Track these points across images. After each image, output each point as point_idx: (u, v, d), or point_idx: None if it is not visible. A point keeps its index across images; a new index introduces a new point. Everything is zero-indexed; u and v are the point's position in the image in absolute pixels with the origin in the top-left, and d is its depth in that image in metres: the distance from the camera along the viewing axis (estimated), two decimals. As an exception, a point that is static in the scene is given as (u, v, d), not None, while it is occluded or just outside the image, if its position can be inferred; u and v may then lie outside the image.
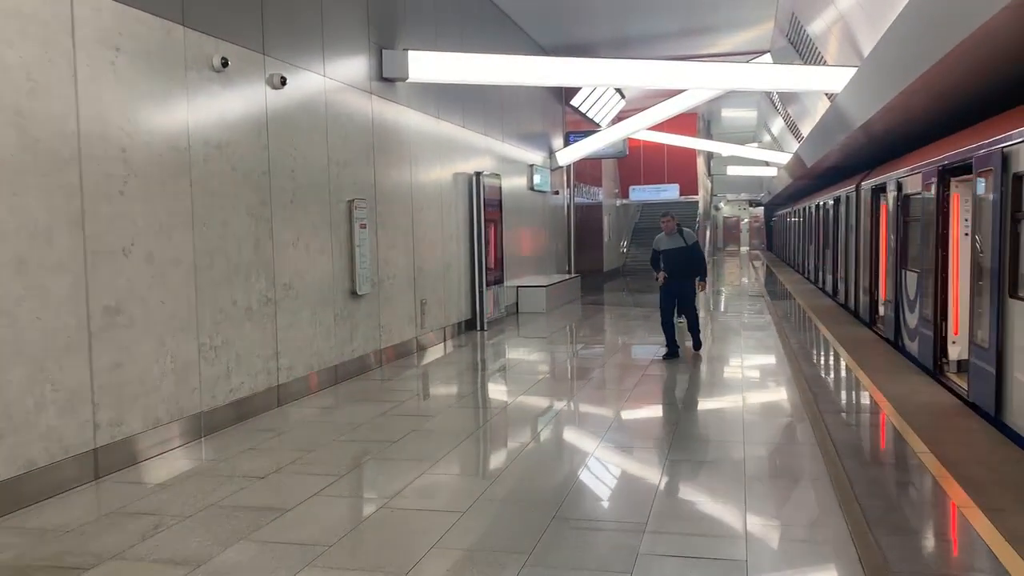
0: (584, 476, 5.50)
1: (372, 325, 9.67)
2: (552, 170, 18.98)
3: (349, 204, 9.07)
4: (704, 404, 7.85)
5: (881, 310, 11.94)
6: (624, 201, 29.99)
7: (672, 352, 10.02)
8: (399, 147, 10.55)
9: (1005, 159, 6.47)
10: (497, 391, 8.76)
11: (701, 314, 15.74)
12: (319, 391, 8.30)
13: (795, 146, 26.25)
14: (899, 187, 10.71)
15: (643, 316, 15.39)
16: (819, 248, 20.64)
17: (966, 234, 8.13)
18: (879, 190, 12.20)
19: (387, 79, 10.18)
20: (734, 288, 23.36)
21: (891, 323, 10.97)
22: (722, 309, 17.23)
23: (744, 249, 54.44)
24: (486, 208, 13.28)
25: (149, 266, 6.11)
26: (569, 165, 20.15)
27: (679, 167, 29.61)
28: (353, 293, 9.12)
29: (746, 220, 56.23)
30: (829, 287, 18.17)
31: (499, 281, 13.95)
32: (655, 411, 7.63)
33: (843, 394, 8.20)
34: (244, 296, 7.23)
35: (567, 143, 19.24)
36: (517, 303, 15.93)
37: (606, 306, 17.84)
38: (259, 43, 7.56)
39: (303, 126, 8.27)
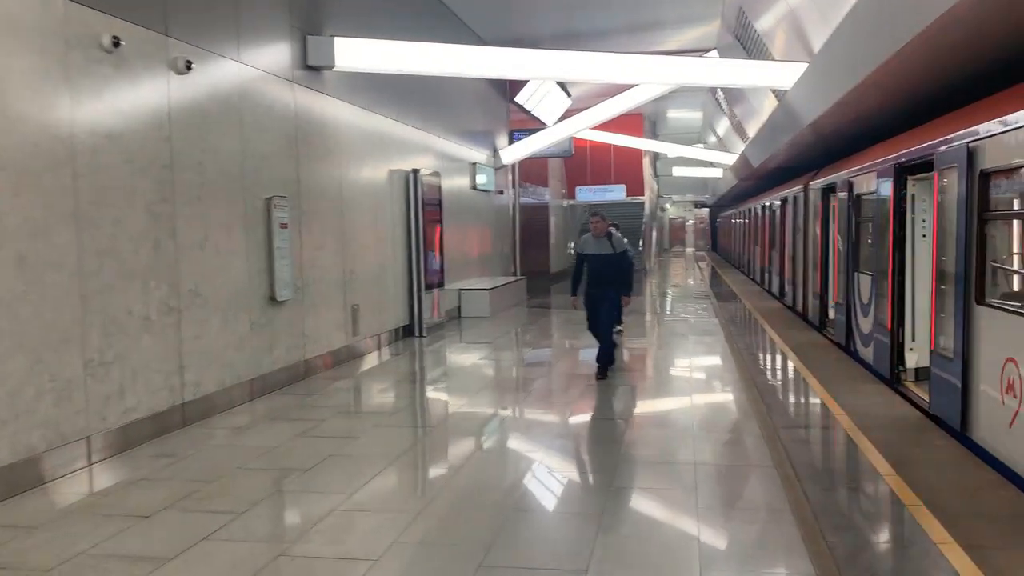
0: (520, 510, 4.87)
1: (295, 333, 8.91)
2: (496, 169, 18.36)
3: (267, 202, 8.30)
4: (651, 419, 7.29)
5: (831, 314, 11.60)
6: (571, 202, 29.54)
7: (603, 363, 8.90)
8: (327, 141, 9.80)
9: (971, 155, 6.05)
10: (431, 405, 8.10)
11: (647, 317, 15.35)
12: (232, 408, 7.52)
13: (741, 147, 26.10)
14: (850, 187, 10.36)
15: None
16: (765, 250, 20.42)
17: (924, 235, 7.74)
18: (829, 190, 11.86)
19: (312, 67, 9.43)
20: (680, 289, 23.07)
21: (842, 327, 10.61)
22: (668, 311, 16.82)
23: (689, 250, 54.69)
24: (425, 208, 12.58)
25: (20, 271, 5.30)
26: (514, 164, 19.56)
27: (625, 168, 29.27)
28: (272, 299, 8.35)
29: (691, 221, 56.50)
30: (776, 289, 17.91)
31: (440, 284, 13.27)
32: (599, 430, 7.05)
33: (798, 407, 7.73)
34: (141, 304, 6.43)
35: (511, 141, 18.64)
36: (460, 307, 15.26)
37: (553, 309, 17.28)
38: (160, 22, 6.77)
39: (213, 116, 7.49)
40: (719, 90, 24.32)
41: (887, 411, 6.84)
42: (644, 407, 7.75)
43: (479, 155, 17.07)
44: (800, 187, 14.69)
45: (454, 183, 15.23)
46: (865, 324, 9.25)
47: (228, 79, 7.76)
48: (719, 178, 37.22)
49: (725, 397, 8.03)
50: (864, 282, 9.35)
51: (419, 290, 12.42)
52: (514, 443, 6.47)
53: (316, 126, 9.55)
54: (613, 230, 9.45)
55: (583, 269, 9.04)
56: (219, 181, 7.51)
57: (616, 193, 28.82)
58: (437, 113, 14.23)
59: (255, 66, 8.24)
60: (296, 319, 8.91)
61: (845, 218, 10.49)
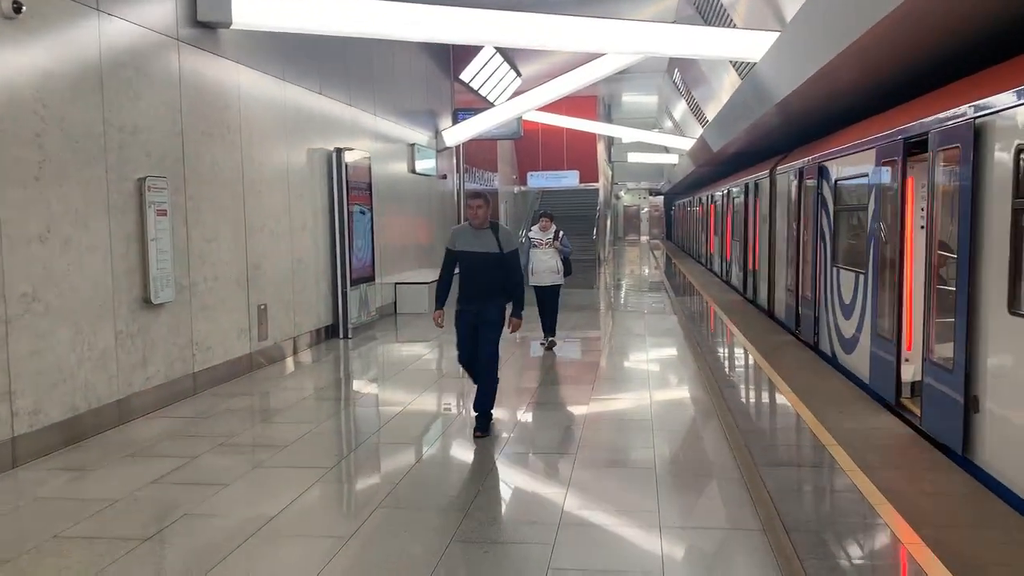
0: (422, 602, 3.54)
1: (180, 342, 7.44)
2: (439, 151, 16.94)
3: (139, 184, 6.80)
4: (607, 453, 6.02)
5: (800, 311, 10.47)
6: (522, 188, 28.23)
7: (483, 411, 6.28)
8: (225, 114, 8.31)
9: (978, 133, 4.86)
10: (341, 431, 6.71)
11: (599, 313, 14.07)
12: (83, 441, 6.05)
13: (699, 131, 25.04)
14: (823, 171, 9.20)
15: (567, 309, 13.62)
16: (726, 240, 19.34)
17: (922, 227, 6.57)
18: (800, 175, 10.70)
19: (204, 24, 7.91)
20: (635, 280, 21.90)
21: (810, 325, 9.49)
22: (622, 305, 15.59)
23: (644, 238, 53.89)
24: (352, 193, 11.14)
25: None
26: (458, 147, 18.15)
27: (579, 153, 28.05)
28: (147, 302, 6.87)
29: (646, 209, 55.65)
30: (738, 283, 16.83)
31: (370, 278, 11.84)
32: (543, 465, 5.75)
33: (777, 427, 6.52)
34: (-56, 315, 4.94)
35: (456, 121, 17.21)
36: (395, 303, 13.86)
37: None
38: (-25, -51, 5.25)
39: (59, 75, 5.97)
40: (676, 71, 23.19)
41: (882, 434, 5.65)
42: (602, 439, 6.46)
43: (419, 136, 15.63)
44: (765, 172, 13.56)
45: (390, 166, 13.78)
46: (847, 327, 8.09)
47: (82, 32, 6.24)
48: (675, 165, 36.26)
49: (695, 424, 6.79)
50: (846, 279, 8.19)
51: (344, 286, 10.99)
52: (437, 496, 5.13)
53: (211, 96, 8.05)
54: (502, 223, 7.01)
55: (452, 272, 6.43)
56: (68, 158, 6.01)
57: (570, 179, 27.60)
58: (369, 88, 12.76)
59: (125, 18, 6.72)
60: (181, 325, 7.44)
61: (821, 206, 9.33)
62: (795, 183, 11.01)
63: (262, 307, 8.97)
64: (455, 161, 18.25)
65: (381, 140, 13.30)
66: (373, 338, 11.26)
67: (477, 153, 21.23)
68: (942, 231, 5.94)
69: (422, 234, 15.73)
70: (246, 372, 8.60)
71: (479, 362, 6.27)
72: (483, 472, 5.39)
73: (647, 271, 26.13)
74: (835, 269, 8.65)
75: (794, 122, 11.67)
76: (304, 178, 10.19)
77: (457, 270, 6.33)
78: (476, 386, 6.31)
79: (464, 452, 5.86)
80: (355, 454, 5.88)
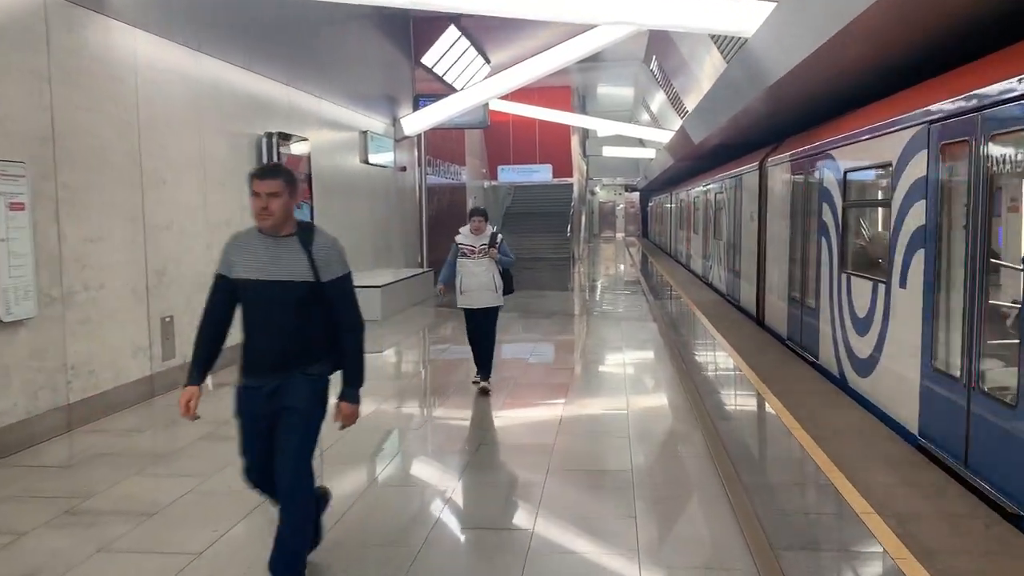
0: None
1: (49, 367, 5.99)
2: (397, 141, 15.51)
3: (-19, 169, 5.36)
4: (579, 509, 4.68)
5: (797, 320, 9.20)
6: (492, 182, 26.84)
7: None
8: (115, 87, 6.86)
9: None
10: (235, 490, 5.30)
11: (572, 318, 12.70)
12: None
13: (677, 123, 23.82)
14: (827, 162, 7.92)
15: (514, 320, 12.26)
16: (706, 240, 18.10)
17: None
18: (798, 166, 9.43)
19: (84, -26, 6.47)
20: (611, 281, 20.61)
21: (810, 337, 8.23)
22: (597, 310, 14.25)
23: (619, 235, 52.77)
24: (286, 184, 9.69)
25: None
26: (421, 137, 16.73)
27: (552, 147, 26.71)
28: (-7, 319, 5.43)
29: (622, 206, 54.54)
30: (723, 285, 15.59)
31: (309, 283, 10.40)
32: (502, 517, 4.41)
33: (807, 503, 5.23)
34: None
35: (417, 108, 15.78)
36: (343, 308, 12.42)
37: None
38: None
39: None
40: (654, 60, 21.94)
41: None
42: (576, 496, 5.12)
43: (374, 124, 14.19)
44: (753, 165, 12.30)
45: (337, 156, 12.35)
46: (862, 345, 6.82)
47: None
48: (652, 159, 35.07)
49: (685, 477, 5.46)
50: (860, 289, 6.92)
51: (277, 292, 9.55)
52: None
53: (94, 64, 6.59)
54: (321, 228, 3.87)
55: (225, 313, 3.79)
56: None
57: (542, 174, 26.27)
58: (313, 67, 11.31)
59: (-39, -44, 5.26)
60: (50, 345, 5.99)
61: (825, 201, 8.06)
62: (791, 176, 9.74)
63: (167, 319, 7.52)
64: (417, 153, 16.83)
65: (327, 126, 11.87)
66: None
67: (443, 145, 19.83)
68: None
69: (377, 232, 14.30)
70: (146, 398, 7.16)
71: (280, 480, 3.52)
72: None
73: (623, 270, 24.87)
74: (844, 276, 7.37)
75: (788, 108, 10.41)
76: (227, 168, 8.75)
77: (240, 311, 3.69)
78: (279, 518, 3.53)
79: (407, 502, 4.50)
80: (243, 525, 4.47)
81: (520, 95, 25.88)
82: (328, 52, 12.02)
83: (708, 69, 16.66)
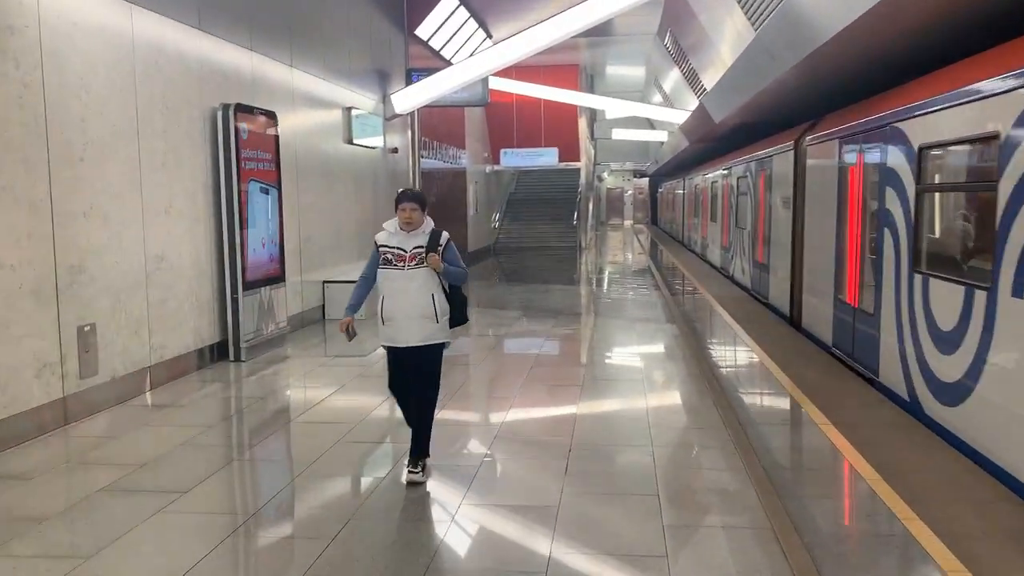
0: None
1: (-98, 398, 4.62)
2: (387, 119, 14.07)
3: None
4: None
5: (843, 326, 7.78)
6: (495, 167, 25.37)
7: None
8: (5, 38, 5.45)
9: None
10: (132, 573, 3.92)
11: (579, 322, 11.06)
12: None
13: (693, 103, 22.32)
14: (895, 137, 6.47)
15: (517, 318, 10.84)
16: (726, 228, 16.65)
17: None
18: (850, 144, 7.97)
19: None
20: (621, 273, 19.14)
21: (868, 349, 6.81)
22: (606, 307, 12.80)
23: (628, 223, 51.27)
24: (246, 166, 8.31)
25: None
26: (414, 116, 15.28)
27: (558, 129, 25.22)
28: None
29: (630, 192, 52.97)
30: (742, 276, 14.16)
31: (276, 278, 9.01)
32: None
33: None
34: None
35: (409, 82, 14.31)
36: (324, 306, 11.06)
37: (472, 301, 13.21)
38: None
39: None
40: (669, 34, 20.41)
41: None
42: (586, 545, 3.74)
43: (360, 100, 12.75)
44: (786, 144, 10.85)
45: (315, 134, 10.93)
46: (946, 367, 5.40)
47: None
48: (662, 143, 33.57)
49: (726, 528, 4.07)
50: (944, 295, 5.49)
51: (235, 289, 8.16)
52: None
53: (-24, 5, 5.19)
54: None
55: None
56: None
57: (548, 158, 24.79)
58: (284, 31, 9.89)
59: None
60: (-98, 370, 4.62)
61: (891, 185, 6.61)
62: (839, 156, 8.29)
63: (86, 328, 6.14)
64: (411, 134, 15.39)
65: (302, 101, 10.44)
66: (282, 358, 8.47)
67: (441, 125, 18.38)
68: None
69: (363, 220, 12.88)
70: (54, 428, 5.79)
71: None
72: None
73: (633, 259, 23.45)
74: (918, 278, 5.94)
75: (832, 78, 8.98)
76: (171, 144, 7.35)
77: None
78: None
79: None
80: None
81: (525, 74, 24.44)
82: (304, 17, 10.57)
83: (730, 38, 15.16)
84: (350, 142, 12.15)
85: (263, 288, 8.61)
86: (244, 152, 8.19)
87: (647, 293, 14.24)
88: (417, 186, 15.35)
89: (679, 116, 22.44)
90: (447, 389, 6.04)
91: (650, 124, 37.56)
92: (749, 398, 6.74)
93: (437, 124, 18.08)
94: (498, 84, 22.66)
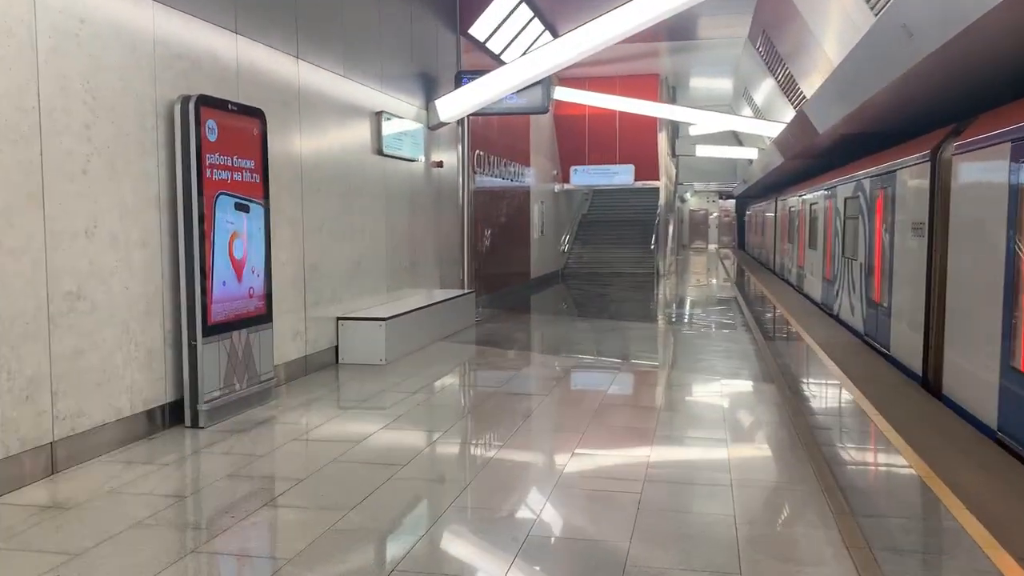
0: None
1: None
2: (431, 128, 12.22)
3: None
4: None
5: (1019, 406, 5.40)
6: (565, 186, 23.33)
7: None
8: None
9: None
10: None
11: (653, 391, 8.46)
12: None
13: (788, 115, 19.85)
14: None
15: (566, 372, 8.70)
16: (828, 258, 14.13)
17: None
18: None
19: None
20: (703, 305, 16.72)
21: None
22: (684, 352, 10.46)
23: (712, 247, 48.49)
24: (211, 173, 6.51)
25: None
26: (465, 126, 13.40)
27: (636, 144, 23.01)
28: None
29: (715, 214, 50.20)
30: (850, 316, 11.68)
31: (259, 319, 7.14)
32: None
33: None
34: None
35: (458, 87, 12.43)
36: (337, 348, 9.18)
37: (513, 344, 11.15)
38: None
39: None
40: (762, 36, 18.05)
41: None
42: None
43: (396, 105, 10.93)
44: (919, 156, 8.46)
45: (334, 143, 9.13)
46: None
47: None
48: (752, 161, 30.99)
49: None
50: None
51: (192, 334, 6.32)
52: None
53: None
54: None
55: None
56: None
57: (623, 176, 22.61)
58: (288, 17, 8.11)
59: None
60: None
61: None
62: (1016, 166, 5.93)
63: (-73, 399, 4.33)
64: (461, 147, 13.49)
65: (313, 100, 8.64)
66: (257, 421, 6.58)
67: (501, 139, 16.49)
68: None
69: (396, 243, 11.02)
70: None
71: None
72: None
73: (718, 289, 21.00)
74: None
75: (996, 62, 6.66)
76: (101, 145, 5.57)
77: None
78: None
79: None
80: None
81: (599, 84, 22.40)
82: (318, 1, 8.80)
83: (839, 31, 12.77)
84: (380, 153, 10.31)
85: (236, 331, 6.75)
86: (210, 157, 6.38)
87: (736, 335, 11.89)
88: (467, 206, 13.43)
89: (772, 129, 19.99)
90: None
91: (738, 140, 34.94)
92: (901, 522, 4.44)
93: (496, 137, 16.19)
94: (568, 95, 20.72)
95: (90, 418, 5.49)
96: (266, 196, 7.17)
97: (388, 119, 10.43)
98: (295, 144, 8.20)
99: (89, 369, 5.48)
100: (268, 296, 7.22)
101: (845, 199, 12.80)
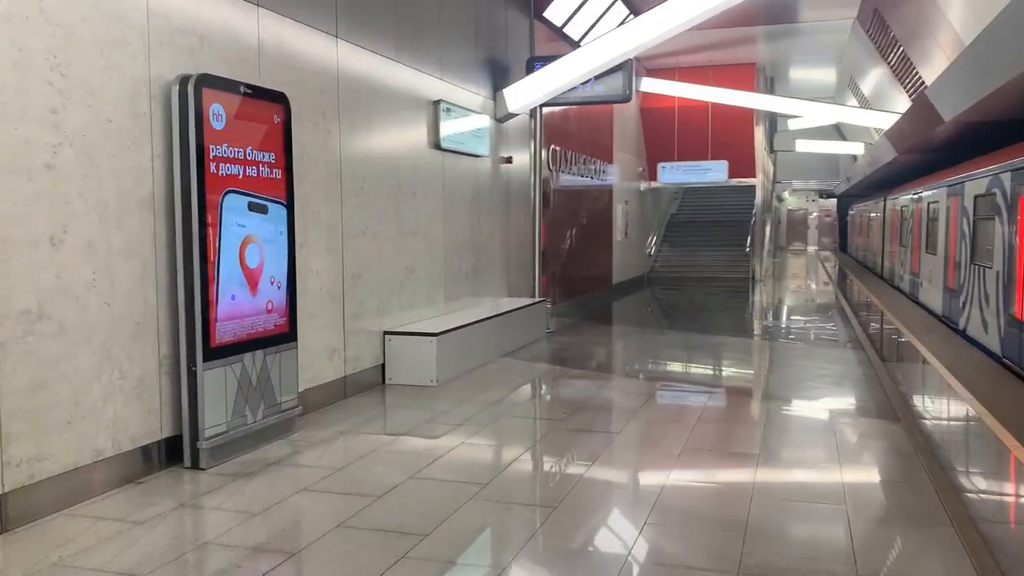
0: None
1: None
2: (498, 120, 11.10)
3: None
4: None
5: None
6: (651, 184, 21.86)
7: None
8: None
9: None
10: None
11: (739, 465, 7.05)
12: None
13: (901, 107, 17.90)
14: None
15: (642, 404, 7.39)
16: (953, 266, 12.29)
17: None
18: None
19: None
20: (805, 317, 15.00)
21: None
22: (783, 379, 8.92)
23: (812, 248, 45.88)
24: (218, 167, 5.53)
25: None
26: (537, 117, 12.21)
27: (729, 139, 21.31)
28: None
29: (815, 214, 47.50)
30: (990, 339, 9.92)
31: (281, 337, 6.13)
32: None
33: None
34: None
35: (531, 73, 11.24)
36: (384, 366, 8.15)
37: (585, 361, 9.90)
38: None
39: None
40: (874, 16, 16.19)
41: None
42: None
43: (457, 94, 9.85)
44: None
45: (380, 135, 8.10)
46: None
47: None
48: (857, 157, 28.72)
49: None
50: None
51: (192, 358, 5.34)
52: None
53: None
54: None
55: None
56: None
57: (716, 173, 20.96)
58: (322, -13, 7.12)
59: None
60: None
61: None
62: None
63: None
64: (534, 143, 12.30)
65: (355, 86, 7.62)
66: (274, 461, 5.58)
67: (580, 134, 15.25)
68: None
69: (456, 246, 9.93)
70: None
71: None
72: None
73: (819, 296, 19.17)
74: None
75: None
76: (74, 134, 4.65)
77: None
78: None
79: None
80: None
81: (689, 74, 20.84)
82: (364, -27, 7.79)
83: (967, 2, 11.00)
84: (438, 147, 9.24)
85: (249, 353, 5.76)
86: (215, 149, 5.40)
87: (846, 355, 10.32)
88: (538, 205, 12.24)
89: (884, 120, 18.05)
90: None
91: (840, 135, 32.60)
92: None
93: (575, 131, 14.95)
94: (655, 86, 19.31)
95: (55, 462, 4.56)
96: (290, 195, 6.15)
97: (447, 110, 9.35)
98: (332, 137, 7.19)
99: (54, 404, 4.55)
100: (292, 310, 6.21)
101: (975, 197, 11.02)
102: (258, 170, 5.82)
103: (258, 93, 5.88)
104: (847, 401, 7.69)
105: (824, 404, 7.49)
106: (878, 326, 12.92)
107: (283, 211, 6.11)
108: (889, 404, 7.21)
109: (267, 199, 5.92)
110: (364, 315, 7.75)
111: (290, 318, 6.21)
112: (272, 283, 6.00)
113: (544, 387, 8.52)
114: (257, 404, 5.85)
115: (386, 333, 8.12)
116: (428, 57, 9.09)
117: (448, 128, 9.40)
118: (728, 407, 7.66)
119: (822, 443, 6.06)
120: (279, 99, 6.09)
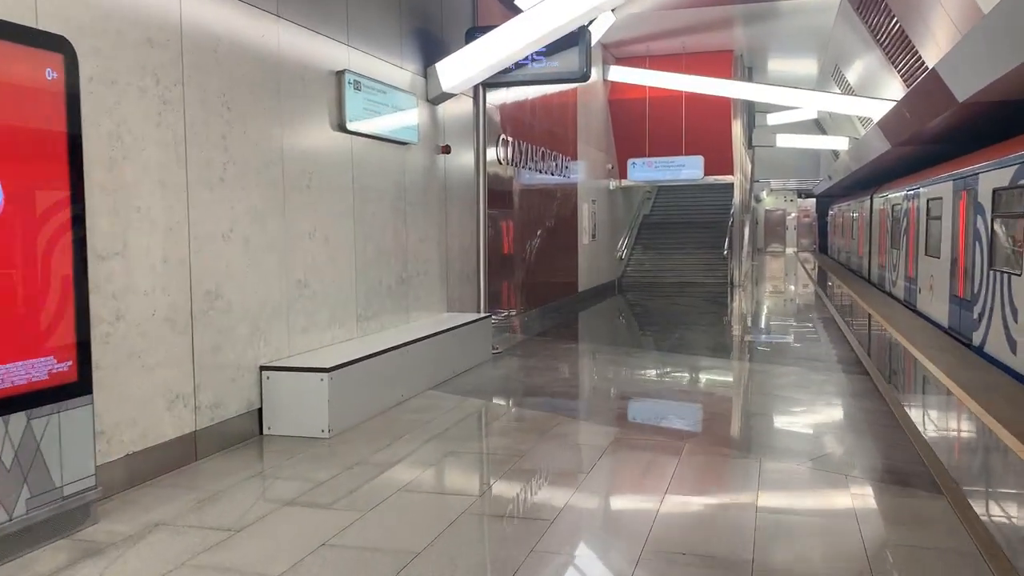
0: None
1: None
2: (431, 101, 9.27)
3: None
4: None
5: None
6: (621, 183, 20.11)
7: None
8: None
9: None
10: None
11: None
12: None
13: (895, 93, 16.33)
14: None
15: (605, 446, 5.50)
16: (963, 271, 10.59)
17: None
18: None
19: None
20: (788, 327, 13.29)
21: None
22: (776, 410, 7.12)
23: (790, 250, 44.57)
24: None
25: None
26: (480, 99, 10.36)
27: (705, 133, 19.59)
28: None
29: (793, 214, 46.16)
30: (1015, 360, 8.23)
31: (59, 392, 4.23)
32: None
33: None
34: None
35: (469, 41, 9.40)
36: (261, 410, 6.27)
37: (530, 394, 8.06)
38: None
39: None
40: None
41: None
42: None
43: (370, 64, 8.00)
44: None
45: (249, 110, 6.22)
46: None
47: None
48: (841, 152, 27.25)
49: None
50: None
51: None
52: None
53: None
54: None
55: None
56: None
57: (690, 169, 19.25)
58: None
59: None
60: None
61: None
62: None
63: None
64: (478, 131, 10.44)
65: (213, 45, 5.75)
66: None
67: (539, 125, 13.46)
68: None
69: (370, 257, 8.06)
70: None
71: None
72: None
73: (804, 302, 17.51)
74: None
75: None
76: None
77: None
78: None
79: None
80: None
81: (661, 62, 19.14)
82: None
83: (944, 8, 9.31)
84: (343, 128, 7.38)
85: (18, 416, 3.86)
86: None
87: (851, 382, 8.56)
88: (483, 203, 10.40)
89: (875, 108, 16.45)
90: None
91: (822, 131, 31.12)
92: None
93: (533, 122, 13.16)
94: (624, 75, 17.59)
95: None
96: (73, 186, 4.26)
97: (355, 83, 7.48)
98: (172, 108, 5.31)
99: None
100: (82, 349, 4.31)
101: (994, 190, 9.34)
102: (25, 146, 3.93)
103: (10, 34, 3.98)
104: (858, 453, 5.91)
105: (832, 456, 5.70)
106: (873, 333, 11.20)
107: (63, 209, 4.20)
108: (912, 450, 5.45)
109: (23, 190, 4.02)
110: (228, 346, 5.87)
111: (80, 362, 4.31)
112: (39, 312, 4.10)
113: (469, 437, 6.64)
114: (14, 492, 3.95)
115: (263, 368, 6.24)
116: (331, 18, 7.23)
117: (357, 107, 7.54)
118: (707, 470, 5.83)
119: (835, 509, 4.25)
120: (52, 46, 4.18)
